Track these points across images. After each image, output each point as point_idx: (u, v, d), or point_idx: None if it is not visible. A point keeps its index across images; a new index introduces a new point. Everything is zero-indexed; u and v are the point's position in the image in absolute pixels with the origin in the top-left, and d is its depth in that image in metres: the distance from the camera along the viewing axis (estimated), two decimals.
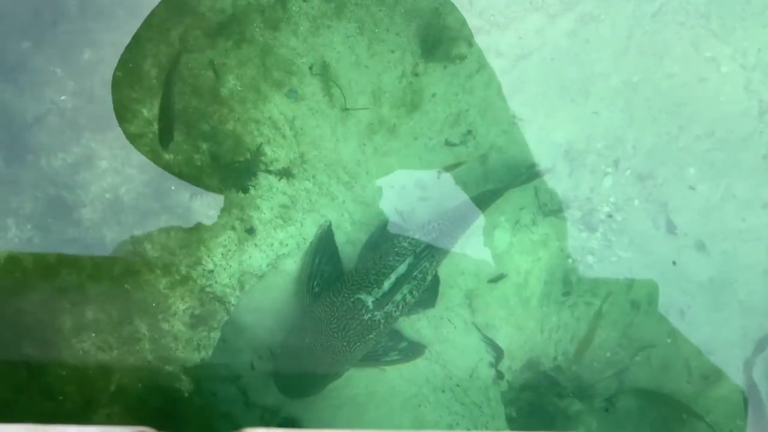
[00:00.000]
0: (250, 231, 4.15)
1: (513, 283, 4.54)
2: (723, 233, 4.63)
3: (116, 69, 4.13)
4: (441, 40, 4.50)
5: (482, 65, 4.54)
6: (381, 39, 4.47)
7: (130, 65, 4.08)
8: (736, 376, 4.53)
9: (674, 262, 4.31)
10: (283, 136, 4.28)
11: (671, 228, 4.65)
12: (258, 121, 4.25)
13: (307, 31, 4.46)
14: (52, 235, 3.93)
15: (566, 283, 4.58)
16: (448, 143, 4.60)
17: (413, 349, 4.40)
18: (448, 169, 4.42)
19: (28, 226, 3.90)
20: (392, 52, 4.48)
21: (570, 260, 4.59)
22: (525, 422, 4.46)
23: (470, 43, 4.54)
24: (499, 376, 4.36)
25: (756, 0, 4.45)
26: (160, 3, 4.15)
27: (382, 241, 4.30)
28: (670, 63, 4.57)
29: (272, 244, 4.20)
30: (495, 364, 4.38)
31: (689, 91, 4.56)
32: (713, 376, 4.53)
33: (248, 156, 4.12)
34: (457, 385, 4.36)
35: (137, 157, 4.06)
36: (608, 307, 4.56)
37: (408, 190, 4.51)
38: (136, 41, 4.13)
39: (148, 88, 4.08)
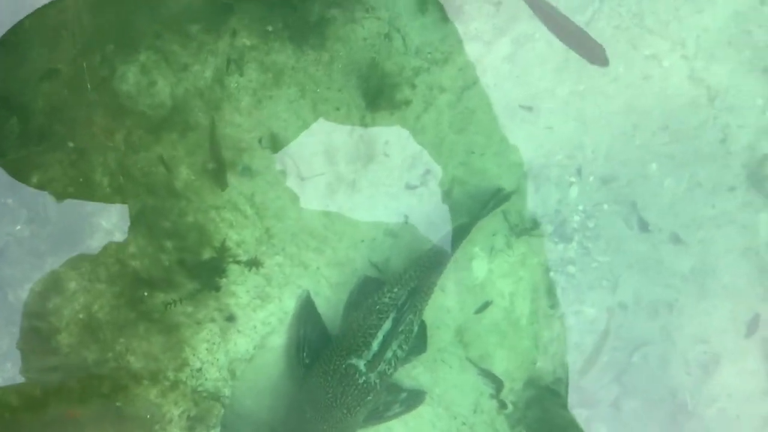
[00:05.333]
0: (231, 318, 3.94)
1: (500, 308, 4.43)
2: (696, 222, 4.53)
3: (67, 186, 3.85)
4: (383, 88, 4.33)
5: (428, 104, 4.39)
6: (324, 99, 4.33)
7: (81, 179, 3.75)
8: (734, 360, 4.34)
9: None
10: (245, 216, 4.15)
11: (644, 226, 4.54)
12: (218, 207, 4.09)
13: (250, 106, 4.29)
14: (33, 367, 3.61)
15: (552, 297, 4.47)
16: (409, 186, 4.42)
17: (414, 398, 4.24)
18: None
19: (8, 365, 3.63)
20: (337, 109, 4.33)
21: (551, 274, 4.46)
22: None
23: (412, 84, 4.39)
24: (502, 405, 4.12)
25: None
26: (98, 111, 3.81)
27: (363, 298, 4.15)
28: (613, 66, 4.39)
29: (255, 326, 4.03)
30: (496, 395, 4.11)
31: (636, 90, 4.43)
32: (712, 364, 4.26)
33: (214, 254, 3.84)
34: (463, 424, 4.17)
35: (104, 271, 3.78)
36: (598, 312, 4.37)
37: (379, 242, 4.39)
38: (82, 154, 3.88)
39: (103, 198, 3.80)
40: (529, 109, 4.13)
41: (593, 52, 3.83)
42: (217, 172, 4.09)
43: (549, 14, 3.84)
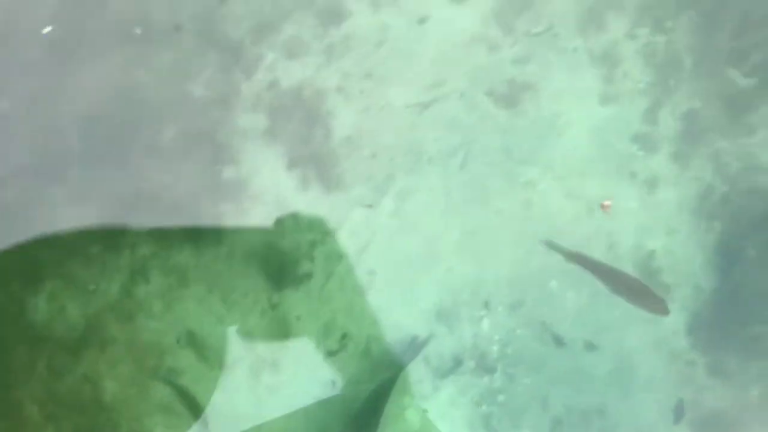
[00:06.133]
0: None
1: None
2: (605, 327, 5.51)
3: None
4: (284, 267, 5.28)
5: (330, 272, 5.33)
6: (231, 288, 5.25)
7: (11, 414, 4.84)
8: None
9: None
10: (178, 415, 5.04)
11: (558, 341, 5.50)
12: (149, 413, 5.01)
13: (162, 310, 5.19)
14: None
15: (489, 428, 5.35)
16: (329, 353, 5.35)
17: None
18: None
19: None
20: (245, 295, 5.27)
21: (483, 407, 5.40)
22: None
23: (311, 257, 5.34)
24: None
25: (542, 121, 5.58)
26: (16, 349, 4.97)
27: None
28: (495, 200, 5.47)
29: None
30: None
31: (521, 217, 5.47)
32: None
33: None
34: None
35: None
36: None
37: (312, 411, 5.23)
38: (7, 390, 4.89)
39: (35, 427, 4.85)
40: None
41: (655, 305, 5.05)
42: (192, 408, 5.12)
43: (609, 274, 5.14)
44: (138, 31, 5.60)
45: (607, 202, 5.61)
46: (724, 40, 5.82)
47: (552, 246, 5.42)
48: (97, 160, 5.41)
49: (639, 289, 5.12)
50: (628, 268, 5.61)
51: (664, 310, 5.03)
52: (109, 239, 5.32)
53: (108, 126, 5.47)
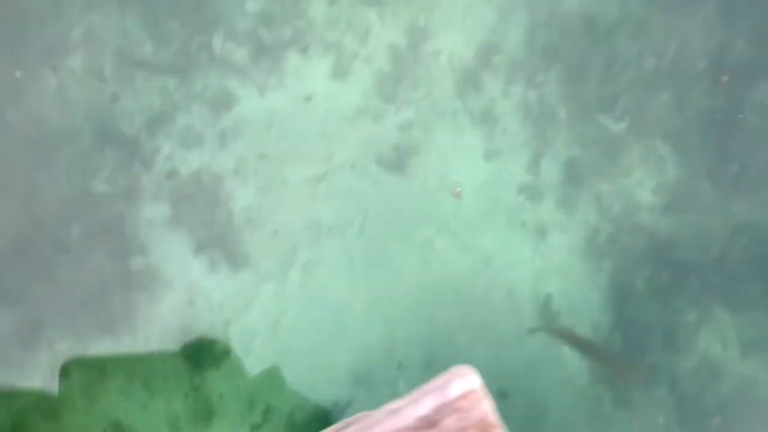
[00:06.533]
0: None
1: None
2: (513, 374, 6.62)
3: None
4: (202, 348, 6.24)
5: (247, 349, 6.34)
6: (151, 375, 6.16)
7: None
8: None
9: None
10: None
11: None
12: None
13: (86, 405, 6.10)
14: None
15: None
16: (254, 427, 6.31)
17: None
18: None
19: None
20: (167, 380, 6.15)
21: None
22: None
23: (227, 335, 6.35)
24: None
25: (431, 181, 6.86)
26: None
27: None
28: (395, 262, 6.67)
29: None
30: None
31: (422, 275, 6.64)
32: None
33: None
34: None
35: None
36: None
37: None
38: None
39: None
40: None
41: (633, 374, 6.10)
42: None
43: (589, 350, 6.20)
44: (18, 74, 6.56)
45: (458, 189, 6.73)
46: (592, 88, 7.11)
47: (536, 331, 6.60)
48: (4, 263, 6.40)
49: (613, 361, 6.40)
50: (529, 313, 6.76)
51: (642, 379, 6.25)
52: (26, 339, 6.27)
53: (11, 230, 6.51)
